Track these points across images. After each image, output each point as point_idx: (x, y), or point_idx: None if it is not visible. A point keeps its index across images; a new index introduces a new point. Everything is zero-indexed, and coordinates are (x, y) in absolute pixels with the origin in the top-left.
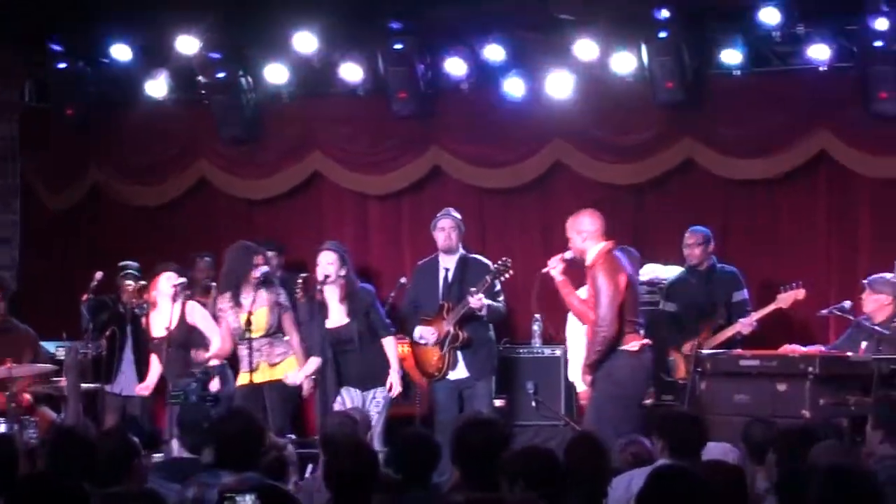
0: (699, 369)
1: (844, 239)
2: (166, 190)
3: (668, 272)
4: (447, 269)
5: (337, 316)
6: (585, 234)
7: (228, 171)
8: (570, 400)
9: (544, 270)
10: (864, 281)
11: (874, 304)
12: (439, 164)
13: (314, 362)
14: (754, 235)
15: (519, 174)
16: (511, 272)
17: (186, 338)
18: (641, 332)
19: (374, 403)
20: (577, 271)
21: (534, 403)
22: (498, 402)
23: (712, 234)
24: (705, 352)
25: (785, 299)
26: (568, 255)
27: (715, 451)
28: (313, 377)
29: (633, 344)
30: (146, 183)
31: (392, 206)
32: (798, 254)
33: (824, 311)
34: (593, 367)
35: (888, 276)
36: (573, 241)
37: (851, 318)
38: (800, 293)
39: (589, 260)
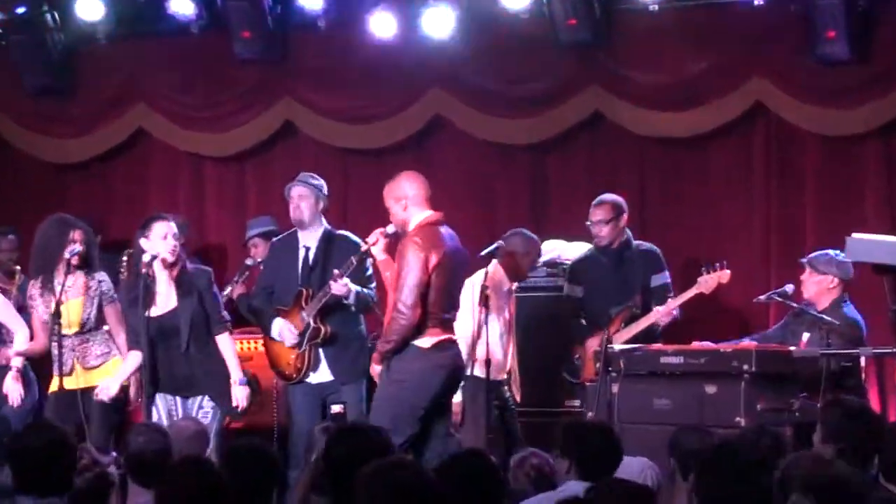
0: (610, 369)
1: (786, 208)
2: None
3: (573, 250)
4: (307, 248)
5: (163, 301)
6: (405, 200)
7: (33, 128)
8: None
9: (363, 248)
10: (804, 259)
11: (816, 287)
12: (292, 120)
13: (134, 358)
14: (677, 205)
15: (390, 131)
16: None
17: None
18: (444, 329)
19: (201, 414)
20: None
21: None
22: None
23: (626, 203)
24: (617, 347)
25: (706, 282)
26: (389, 228)
27: (631, 467)
28: (137, 376)
29: (425, 339)
30: None
31: (235, 171)
32: (730, 226)
33: (762, 298)
34: (385, 357)
35: (833, 252)
36: (393, 211)
37: (794, 305)
38: (723, 275)
39: (409, 232)
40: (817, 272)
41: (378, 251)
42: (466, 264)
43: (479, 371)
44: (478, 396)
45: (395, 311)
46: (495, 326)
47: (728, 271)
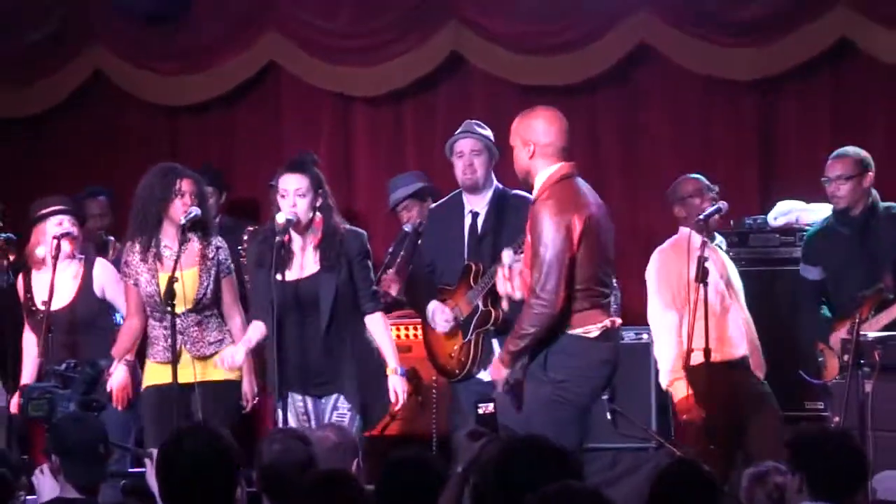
0: (862, 362)
1: None
2: (39, 94)
3: (813, 213)
4: (475, 214)
5: (300, 266)
6: (534, 146)
7: (136, 62)
8: (666, 410)
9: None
10: None
11: None
12: (459, 50)
13: (257, 329)
14: None
15: (582, 63)
16: None
17: (92, 314)
18: (605, 311)
19: (335, 417)
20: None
21: (608, 415)
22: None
23: (871, 151)
24: (871, 335)
25: None
26: (507, 258)
27: (892, 481)
28: (252, 364)
29: (589, 327)
30: (8, 84)
31: (388, 114)
32: None
33: None
34: (517, 355)
35: None
36: (516, 153)
37: None
38: None
39: (535, 192)
40: None
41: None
42: (612, 228)
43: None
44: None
45: (533, 296)
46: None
47: None
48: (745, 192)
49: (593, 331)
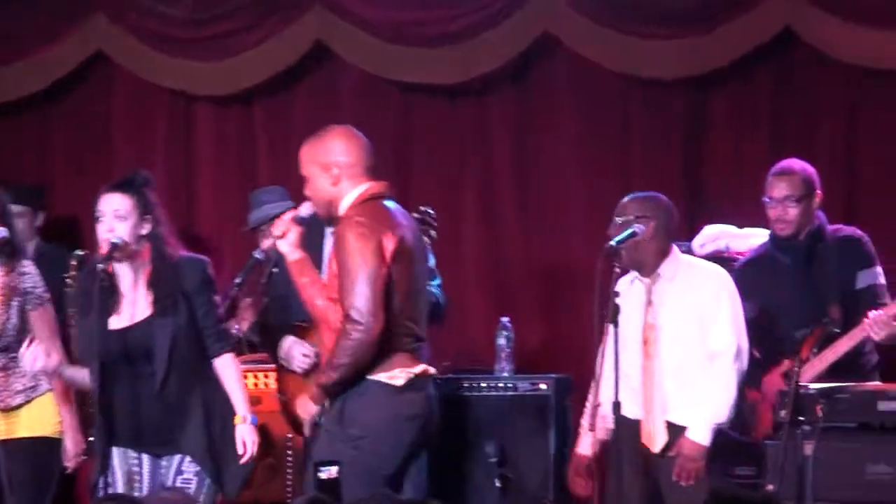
0: (802, 419)
1: None
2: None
3: (746, 240)
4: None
5: (130, 309)
6: (336, 170)
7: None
8: (562, 473)
9: (265, 245)
10: None
11: None
12: (324, 40)
13: (84, 372)
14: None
15: (472, 57)
16: (434, 231)
17: None
18: (415, 355)
19: (180, 481)
20: None
21: (497, 482)
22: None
23: (819, 169)
24: (813, 387)
25: None
26: (305, 209)
27: None
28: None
29: (394, 372)
30: None
31: (238, 117)
32: None
33: None
34: (329, 391)
35: None
36: (315, 183)
37: None
38: None
39: (341, 212)
40: None
41: (287, 246)
42: (426, 270)
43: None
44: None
45: (347, 321)
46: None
47: None
48: None
49: (399, 377)
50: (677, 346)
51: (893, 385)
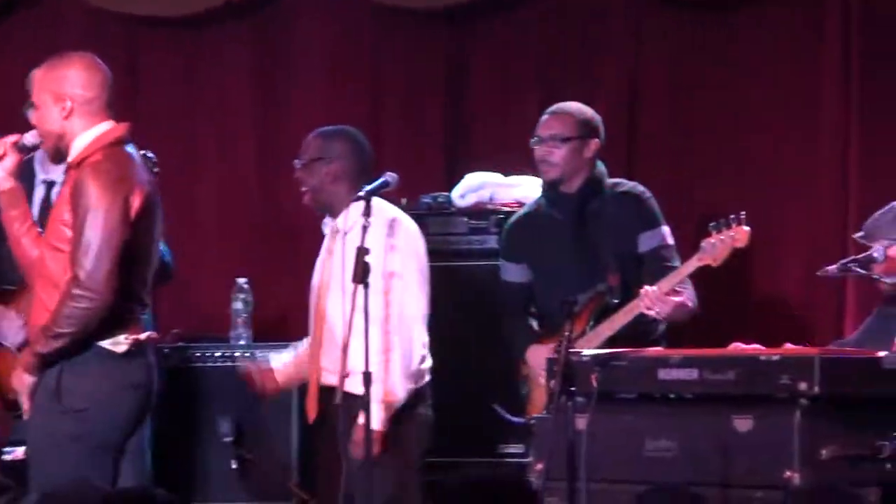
0: (573, 389)
1: (877, 133)
2: None
3: (515, 189)
4: (49, 184)
5: None
6: (70, 102)
7: None
8: (308, 454)
9: None
10: (858, 234)
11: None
12: None
13: None
14: (689, 115)
15: None
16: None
17: None
18: (138, 322)
19: None
20: None
21: (234, 464)
22: None
23: (601, 112)
24: (587, 353)
25: (713, 249)
26: (30, 138)
27: None
28: None
29: (118, 339)
30: None
31: None
32: (776, 156)
33: (832, 268)
34: (46, 361)
35: None
36: (44, 113)
37: (887, 280)
38: (738, 235)
39: (72, 156)
40: (886, 239)
41: (1, 171)
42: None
43: (354, 386)
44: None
45: (75, 284)
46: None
47: (746, 229)
48: (425, 160)
49: (122, 344)
50: (337, 308)
51: (676, 351)
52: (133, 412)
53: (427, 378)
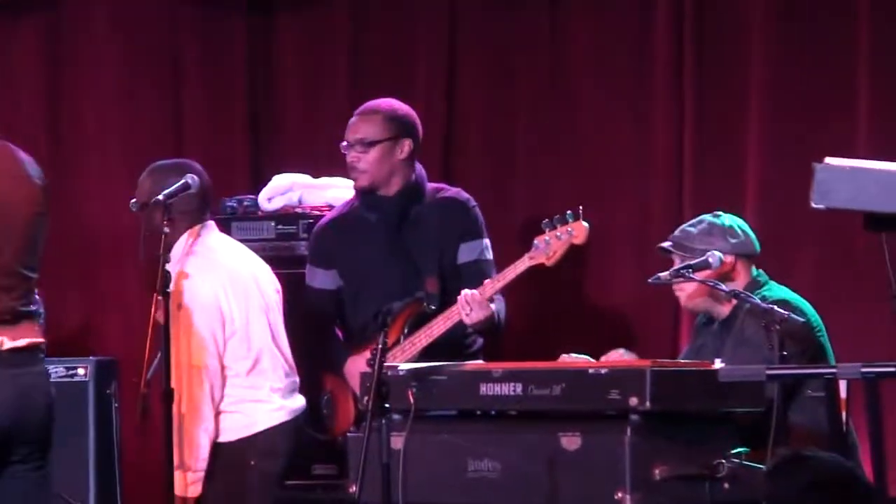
0: (388, 405)
1: (715, 116)
2: None
3: (325, 192)
4: None
5: None
6: None
7: None
8: (105, 475)
9: None
10: (665, 243)
11: (695, 288)
12: None
13: None
14: (512, 110)
15: None
16: None
17: None
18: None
19: None
20: None
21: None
22: None
23: (416, 116)
24: (403, 367)
25: (547, 247)
26: None
27: None
28: None
29: None
30: None
31: None
32: (610, 151)
33: (664, 276)
34: None
35: (709, 217)
36: None
37: (723, 288)
38: (576, 231)
39: None
40: (688, 254)
41: None
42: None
43: None
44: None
45: None
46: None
47: (585, 224)
48: (230, 160)
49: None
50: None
51: (497, 364)
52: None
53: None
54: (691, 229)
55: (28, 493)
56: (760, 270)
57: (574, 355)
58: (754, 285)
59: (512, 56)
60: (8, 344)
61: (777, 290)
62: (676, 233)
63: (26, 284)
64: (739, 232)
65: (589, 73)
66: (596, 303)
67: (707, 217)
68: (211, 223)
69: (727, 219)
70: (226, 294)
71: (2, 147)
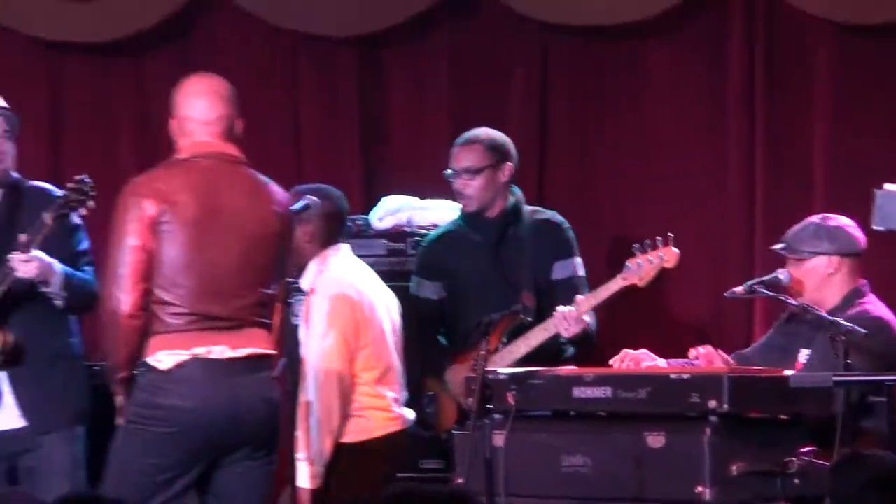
0: (491, 407)
1: (783, 142)
2: None
3: (431, 213)
4: None
5: None
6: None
7: None
8: None
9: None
10: (778, 245)
11: (808, 280)
12: None
13: None
14: (598, 144)
15: (119, 13)
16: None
17: None
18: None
19: None
20: None
21: None
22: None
23: (514, 144)
24: (503, 371)
25: (640, 270)
26: None
27: None
28: None
29: (162, 354)
30: None
31: None
32: (686, 177)
33: (739, 290)
34: (121, 383)
35: (817, 218)
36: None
37: (792, 302)
38: (667, 256)
39: None
40: (799, 255)
41: None
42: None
43: None
44: None
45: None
46: None
47: (675, 250)
48: (344, 183)
49: (166, 360)
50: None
51: (589, 369)
52: (171, 439)
53: None
54: (801, 232)
55: (250, 486)
56: (865, 281)
57: (632, 351)
58: (856, 294)
59: (600, 87)
60: (228, 353)
61: (875, 306)
62: (787, 235)
63: (255, 296)
64: (844, 234)
65: (666, 100)
66: (672, 316)
67: (815, 219)
68: (343, 246)
69: (834, 220)
70: (361, 310)
71: (246, 172)
